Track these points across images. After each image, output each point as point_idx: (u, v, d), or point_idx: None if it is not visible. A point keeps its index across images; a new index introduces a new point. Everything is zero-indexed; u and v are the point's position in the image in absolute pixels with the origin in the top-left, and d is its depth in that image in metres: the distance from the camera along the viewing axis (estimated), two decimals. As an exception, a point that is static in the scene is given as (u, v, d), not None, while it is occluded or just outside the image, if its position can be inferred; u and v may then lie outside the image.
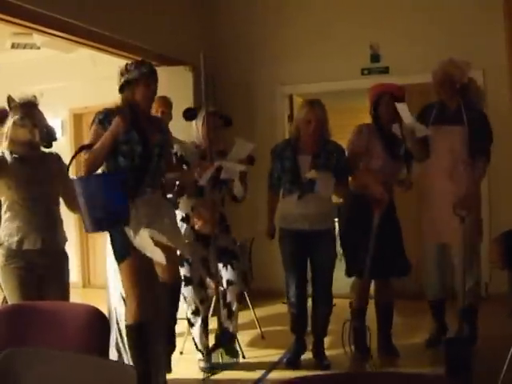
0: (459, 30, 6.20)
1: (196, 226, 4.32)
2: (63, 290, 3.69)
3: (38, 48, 6.94)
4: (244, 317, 5.26)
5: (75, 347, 2.28)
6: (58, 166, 3.76)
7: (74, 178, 3.46)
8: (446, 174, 4.27)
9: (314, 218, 4.27)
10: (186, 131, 4.56)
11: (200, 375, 4.35)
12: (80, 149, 3.39)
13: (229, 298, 4.41)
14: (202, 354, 4.47)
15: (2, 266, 3.56)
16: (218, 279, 4.31)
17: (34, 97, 3.66)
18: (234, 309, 4.43)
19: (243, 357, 4.69)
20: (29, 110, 3.60)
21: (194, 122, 4.37)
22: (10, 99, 3.62)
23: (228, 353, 4.40)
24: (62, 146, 3.65)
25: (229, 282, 4.41)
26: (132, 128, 3.44)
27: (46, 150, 3.74)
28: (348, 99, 8.14)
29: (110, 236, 3.56)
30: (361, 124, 4.46)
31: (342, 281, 4.81)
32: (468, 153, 4.27)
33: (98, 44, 5.38)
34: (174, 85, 5.77)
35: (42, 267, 3.58)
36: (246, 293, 4.92)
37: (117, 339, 4.08)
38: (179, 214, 4.36)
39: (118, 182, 3.28)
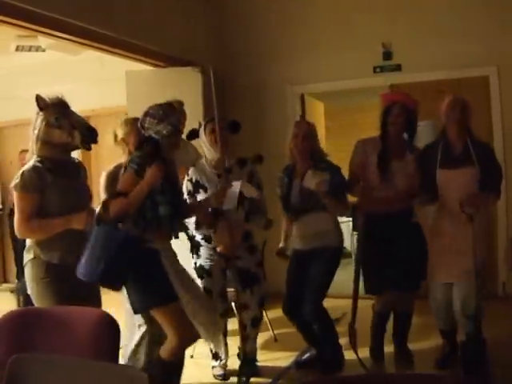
0: (473, 27, 6.13)
1: (218, 249, 4.15)
2: (98, 302, 3.50)
3: (44, 50, 6.91)
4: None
5: (85, 352, 2.27)
6: (85, 174, 3.61)
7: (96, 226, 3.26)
8: (458, 219, 4.10)
9: (310, 238, 4.26)
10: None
11: (212, 380, 4.32)
12: (115, 195, 3.27)
13: (244, 322, 4.27)
14: (217, 359, 4.42)
15: (39, 281, 3.28)
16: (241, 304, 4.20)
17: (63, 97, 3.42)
18: (247, 332, 4.27)
19: (256, 360, 4.62)
20: (63, 109, 3.34)
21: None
22: (39, 98, 3.30)
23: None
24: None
25: (245, 306, 4.28)
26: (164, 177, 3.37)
27: (73, 156, 3.55)
28: (360, 97, 8.04)
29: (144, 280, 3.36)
30: (359, 140, 4.40)
31: (348, 281, 4.71)
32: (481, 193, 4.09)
33: (105, 46, 5.33)
34: (183, 86, 5.73)
35: (81, 280, 3.31)
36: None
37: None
38: (199, 233, 4.24)
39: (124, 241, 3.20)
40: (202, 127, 4.20)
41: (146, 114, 3.43)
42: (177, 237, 3.54)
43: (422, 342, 4.79)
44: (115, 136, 4.07)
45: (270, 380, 4.29)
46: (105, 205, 3.25)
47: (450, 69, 6.18)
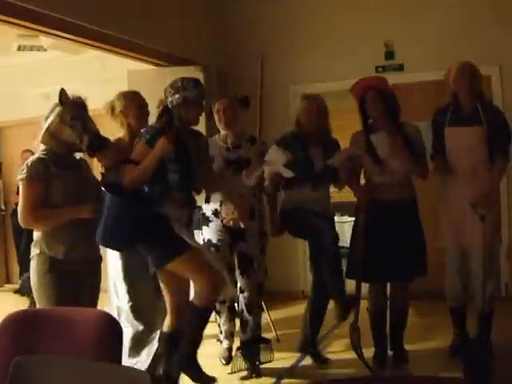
0: (475, 26, 6.14)
1: (224, 221, 4.21)
2: (96, 297, 3.59)
3: (45, 50, 6.90)
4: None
5: (87, 352, 2.25)
6: (88, 168, 3.65)
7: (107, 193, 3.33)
8: (466, 176, 4.13)
9: (324, 205, 4.37)
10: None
11: (224, 375, 4.31)
12: (126, 161, 3.40)
13: (240, 306, 4.28)
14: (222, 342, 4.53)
15: (41, 277, 3.33)
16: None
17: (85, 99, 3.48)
18: (245, 319, 4.31)
19: (259, 361, 4.61)
20: (81, 111, 3.40)
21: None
22: (63, 93, 3.36)
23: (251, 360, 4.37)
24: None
25: (240, 290, 4.29)
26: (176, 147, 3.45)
27: (78, 156, 3.60)
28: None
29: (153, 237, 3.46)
30: (353, 133, 4.41)
31: (350, 280, 4.70)
32: (487, 153, 4.13)
33: (106, 45, 5.32)
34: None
35: (86, 275, 3.41)
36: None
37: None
38: (209, 208, 4.31)
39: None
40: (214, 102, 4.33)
41: (170, 84, 3.58)
42: (190, 206, 3.64)
43: (423, 343, 4.78)
44: (112, 108, 4.09)
45: (273, 380, 4.30)
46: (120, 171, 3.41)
47: (452, 68, 6.16)
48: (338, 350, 4.75)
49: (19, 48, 6.92)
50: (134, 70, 6.15)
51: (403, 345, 4.40)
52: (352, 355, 4.27)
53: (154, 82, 5.92)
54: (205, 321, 3.63)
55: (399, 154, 4.08)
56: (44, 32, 4.84)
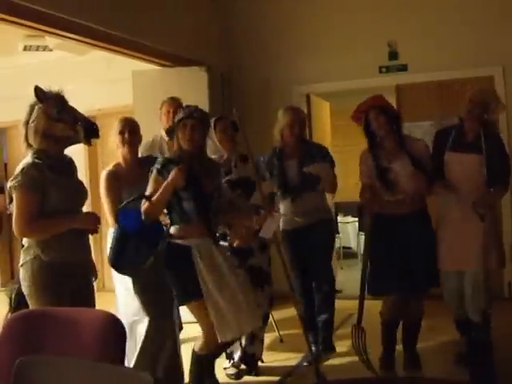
0: (479, 27, 6.13)
1: (234, 244, 4.15)
2: (94, 297, 3.48)
3: (51, 50, 6.91)
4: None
5: (91, 353, 2.24)
6: (77, 172, 3.53)
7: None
8: (465, 204, 4.08)
9: (309, 213, 4.56)
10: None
11: (224, 379, 4.30)
12: (140, 197, 3.39)
13: None
14: (230, 360, 4.44)
15: (39, 281, 3.17)
16: None
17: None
18: (255, 332, 4.22)
19: (262, 361, 4.64)
20: (63, 103, 3.26)
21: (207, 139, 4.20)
22: (38, 89, 3.21)
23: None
24: (76, 149, 3.51)
25: None
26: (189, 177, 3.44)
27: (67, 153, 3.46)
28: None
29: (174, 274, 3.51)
30: (363, 151, 4.36)
31: (354, 282, 4.75)
32: (485, 182, 4.05)
33: (112, 46, 5.34)
34: (189, 85, 5.72)
35: (82, 277, 3.31)
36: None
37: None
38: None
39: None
40: (212, 125, 4.16)
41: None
42: (212, 232, 3.62)
43: (428, 343, 4.75)
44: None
45: (276, 380, 4.30)
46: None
47: (455, 69, 6.18)
48: (340, 351, 4.75)
49: (25, 48, 6.93)
50: (138, 70, 6.17)
51: (416, 351, 4.35)
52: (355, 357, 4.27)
53: (158, 82, 5.97)
54: (203, 369, 3.64)
55: (410, 175, 4.08)
56: (50, 32, 4.86)
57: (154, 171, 3.46)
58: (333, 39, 6.66)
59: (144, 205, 3.40)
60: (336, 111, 8.42)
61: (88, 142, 3.34)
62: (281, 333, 5.26)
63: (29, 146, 3.27)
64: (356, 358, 4.20)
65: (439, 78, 6.31)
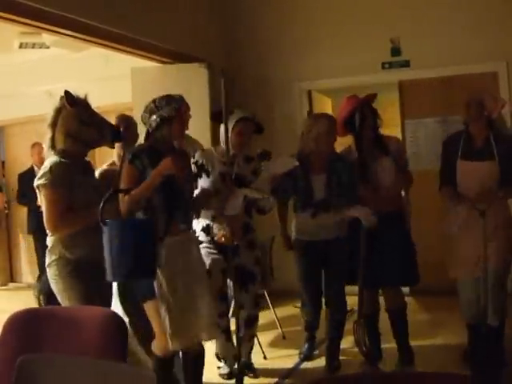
0: (482, 22, 6.12)
1: (215, 238, 4.08)
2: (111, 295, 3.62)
3: (48, 47, 6.88)
4: (265, 317, 5.20)
5: (92, 351, 2.26)
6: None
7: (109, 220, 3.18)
8: (476, 210, 4.04)
9: (328, 229, 4.27)
10: (200, 131, 4.41)
11: (218, 379, 4.31)
12: (115, 192, 3.25)
13: (240, 322, 4.15)
14: (223, 361, 4.37)
15: (65, 279, 3.32)
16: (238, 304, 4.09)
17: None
18: (241, 334, 4.07)
19: (264, 358, 4.67)
20: (91, 108, 3.43)
21: (221, 126, 4.12)
22: (68, 94, 3.35)
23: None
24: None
25: (240, 305, 4.13)
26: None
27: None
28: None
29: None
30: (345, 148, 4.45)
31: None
32: (497, 188, 4.06)
33: (110, 42, 5.30)
34: (189, 82, 5.69)
35: (102, 276, 3.29)
36: (266, 293, 5.07)
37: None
38: (200, 223, 4.15)
39: (151, 228, 3.18)
40: (232, 120, 4.13)
41: (144, 109, 3.49)
42: (189, 228, 3.53)
43: (429, 340, 4.80)
44: None
45: (276, 379, 4.29)
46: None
47: (458, 64, 6.17)
48: (343, 347, 4.70)
49: (21, 45, 6.89)
50: (137, 67, 6.12)
51: (409, 345, 4.35)
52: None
53: (157, 79, 5.91)
54: (164, 372, 3.45)
55: (387, 171, 4.16)
56: (46, 29, 4.81)
57: (126, 162, 3.36)
58: (335, 35, 6.63)
59: (123, 197, 3.26)
60: (338, 107, 8.35)
61: (112, 145, 3.56)
62: (283, 329, 5.29)
63: (53, 146, 3.39)
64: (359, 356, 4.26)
65: (442, 74, 6.30)
